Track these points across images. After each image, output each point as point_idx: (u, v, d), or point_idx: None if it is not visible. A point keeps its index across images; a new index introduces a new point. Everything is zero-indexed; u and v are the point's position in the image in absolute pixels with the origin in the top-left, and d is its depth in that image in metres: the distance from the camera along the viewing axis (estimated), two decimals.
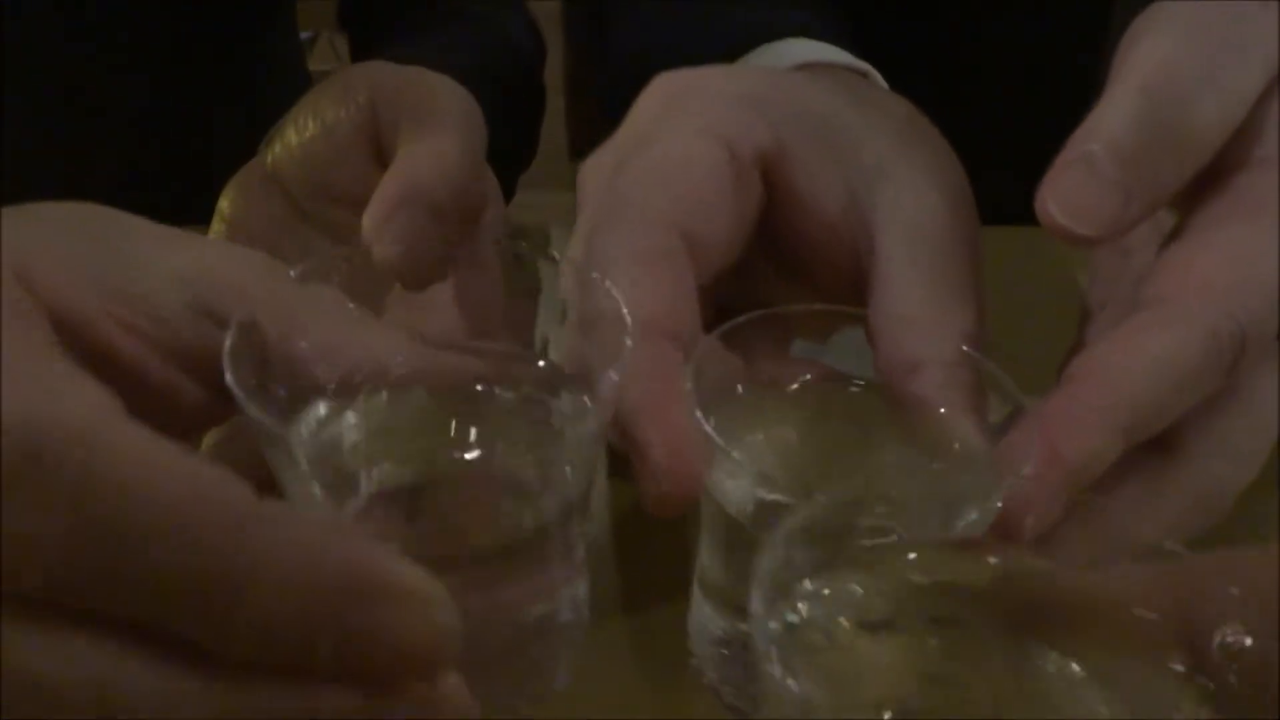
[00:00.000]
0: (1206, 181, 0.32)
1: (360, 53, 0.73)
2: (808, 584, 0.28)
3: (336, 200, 0.43)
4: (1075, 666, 0.27)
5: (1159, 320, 0.30)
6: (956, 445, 0.33)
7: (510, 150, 0.65)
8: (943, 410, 0.33)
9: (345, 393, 0.33)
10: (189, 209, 0.59)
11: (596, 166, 0.39)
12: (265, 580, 0.22)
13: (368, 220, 0.37)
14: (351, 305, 0.33)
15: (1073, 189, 0.31)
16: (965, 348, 0.34)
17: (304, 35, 0.97)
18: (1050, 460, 0.28)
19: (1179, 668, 0.25)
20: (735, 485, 0.31)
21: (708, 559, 0.34)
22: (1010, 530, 0.28)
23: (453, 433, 0.34)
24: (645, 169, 0.36)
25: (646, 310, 0.32)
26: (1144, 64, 0.31)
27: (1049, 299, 0.52)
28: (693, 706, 0.36)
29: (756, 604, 0.25)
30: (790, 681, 0.23)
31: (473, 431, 0.34)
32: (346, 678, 0.23)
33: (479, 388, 0.34)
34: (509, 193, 0.65)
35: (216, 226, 0.45)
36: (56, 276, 0.28)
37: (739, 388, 0.34)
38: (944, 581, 0.29)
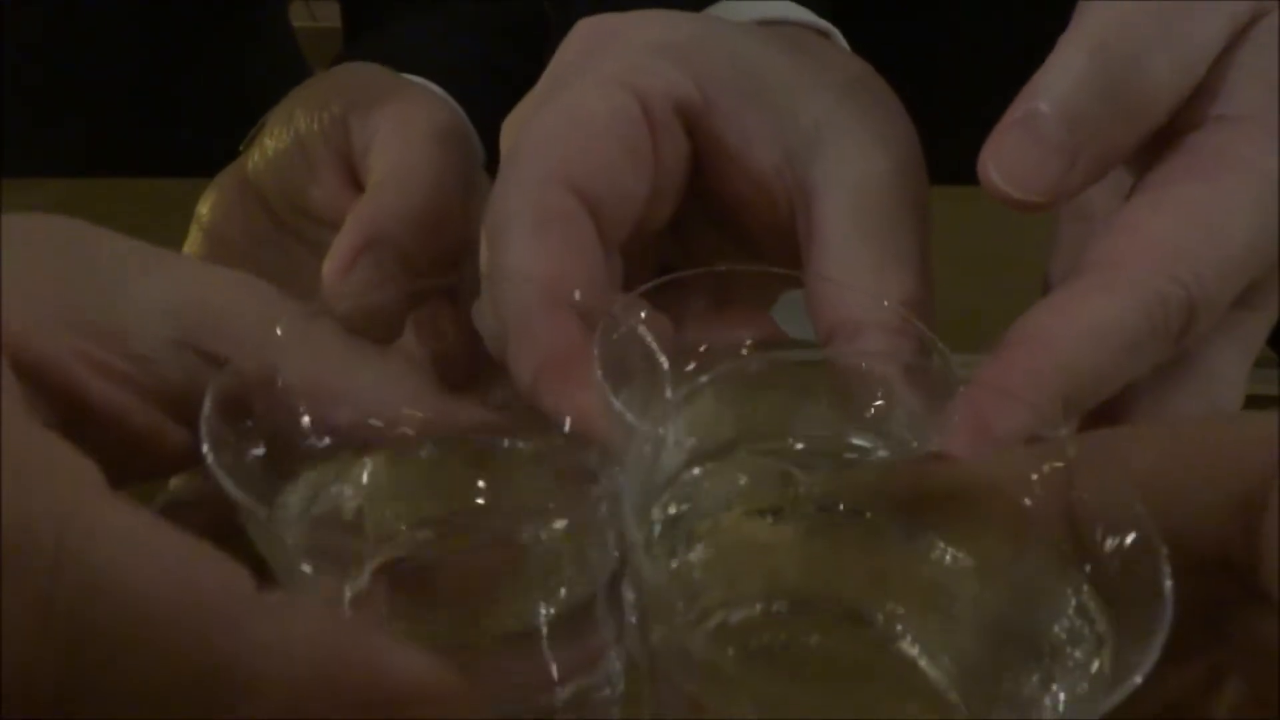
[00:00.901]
0: (1164, 141, 0.31)
1: (352, 26, 0.71)
2: (693, 473, 0.27)
3: (312, 217, 0.42)
4: (961, 555, 0.26)
5: (1101, 285, 0.29)
6: (889, 413, 0.31)
7: None
8: (877, 376, 0.31)
9: (344, 447, 0.30)
10: (173, 165, 0.59)
11: (513, 121, 0.38)
12: (268, 690, 0.20)
13: (326, 269, 0.36)
14: (355, 341, 0.31)
15: (1014, 151, 0.29)
16: (906, 314, 0.32)
17: None
18: (976, 430, 0.27)
19: (1063, 553, 0.25)
20: None
21: None
22: None
23: (468, 494, 0.31)
24: (544, 124, 0.34)
25: (540, 275, 0.31)
26: (1096, 18, 0.30)
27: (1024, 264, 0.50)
28: None
29: (629, 495, 0.23)
30: (674, 561, 0.22)
31: (491, 491, 0.31)
32: None
33: (499, 441, 0.31)
34: None
35: (194, 233, 0.44)
36: (23, 317, 0.26)
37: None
38: (833, 471, 0.28)
